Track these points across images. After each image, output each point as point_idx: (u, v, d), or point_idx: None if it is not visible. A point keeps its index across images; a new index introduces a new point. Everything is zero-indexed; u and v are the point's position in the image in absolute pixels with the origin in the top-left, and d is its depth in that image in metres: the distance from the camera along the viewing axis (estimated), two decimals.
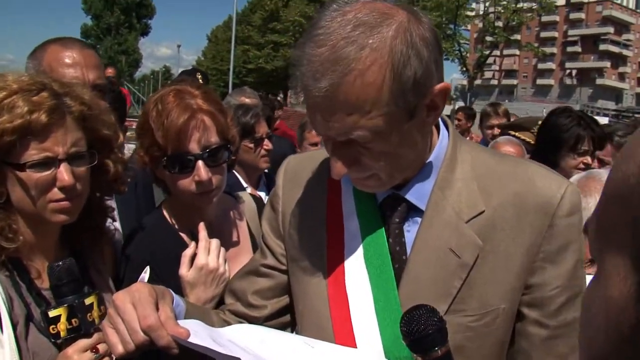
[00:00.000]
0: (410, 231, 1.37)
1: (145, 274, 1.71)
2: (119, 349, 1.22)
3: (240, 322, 1.58)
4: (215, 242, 1.87)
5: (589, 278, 1.84)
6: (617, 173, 0.62)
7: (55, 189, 1.54)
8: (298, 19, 43.79)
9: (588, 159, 3.37)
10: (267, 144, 3.55)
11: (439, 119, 1.39)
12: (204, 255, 1.83)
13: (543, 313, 1.33)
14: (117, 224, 2.12)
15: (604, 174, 2.33)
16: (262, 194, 3.53)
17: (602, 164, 3.71)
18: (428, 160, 1.36)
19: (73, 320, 1.37)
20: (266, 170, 3.89)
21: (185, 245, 1.91)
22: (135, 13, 57.79)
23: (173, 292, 1.37)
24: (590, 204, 2.14)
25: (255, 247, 2.16)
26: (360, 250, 1.39)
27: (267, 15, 50.09)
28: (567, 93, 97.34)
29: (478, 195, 1.33)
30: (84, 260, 1.71)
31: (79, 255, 1.70)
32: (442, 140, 1.39)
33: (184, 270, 1.81)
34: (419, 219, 1.36)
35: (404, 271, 1.34)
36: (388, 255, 1.36)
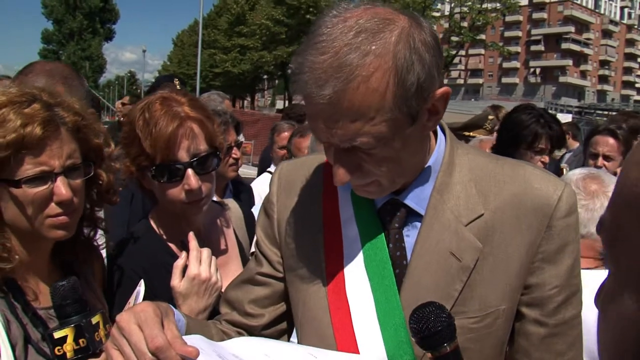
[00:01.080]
0: (410, 236, 1.37)
1: (141, 287, 1.67)
2: None
3: (239, 332, 1.56)
4: (206, 251, 1.84)
5: (584, 274, 1.87)
6: (629, 183, 0.63)
7: (53, 204, 1.49)
8: (265, 22, 43.56)
9: (545, 158, 3.39)
10: (236, 152, 3.49)
11: None
12: (196, 265, 1.80)
13: (542, 312, 1.35)
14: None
15: (603, 174, 2.40)
16: None
17: (607, 160, 3.80)
18: (427, 165, 1.36)
19: (80, 341, 1.32)
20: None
21: (174, 256, 1.89)
22: (99, 18, 56.69)
23: (174, 307, 1.34)
24: (597, 205, 2.25)
25: (242, 254, 2.15)
26: (360, 257, 1.39)
27: (233, 19, 49.67)
28: (532, 91, 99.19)
29: (477, 198, 1.34)
30: (77, 276, 1.67)
31: (70, 272, 1.64)
32: (440, 145, 1.39)
33: (176, 281, 1.77)
34: (418, 224, 1.36)
35: (405, 276, 1.34)
36: (389, 260, 1.36)
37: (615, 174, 3.75)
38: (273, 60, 45.85)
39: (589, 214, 2.25)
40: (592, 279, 2.16)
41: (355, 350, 1.35)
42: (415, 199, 1.36)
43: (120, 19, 59.77)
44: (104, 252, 1.94)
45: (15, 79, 2.27)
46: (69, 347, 1.32)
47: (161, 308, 1.25)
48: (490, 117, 5.03)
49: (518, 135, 3.37)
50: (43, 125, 1.43)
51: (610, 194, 2.21)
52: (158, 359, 1.17)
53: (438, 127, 1.41)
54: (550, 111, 4.12)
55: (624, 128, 3.92)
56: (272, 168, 4.93)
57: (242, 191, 3.79)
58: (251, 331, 1.55)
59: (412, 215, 1.37)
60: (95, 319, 1.36)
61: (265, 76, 57.57)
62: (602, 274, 2.40)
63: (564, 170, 4.21)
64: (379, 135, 1.17)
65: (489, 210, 1.33)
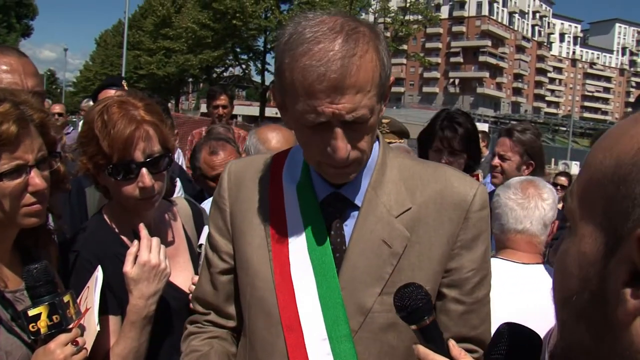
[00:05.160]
0: (348, 225, 1.56)
1: (99, 273, 1.79)
2: None
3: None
4: (156, 240, 1.98)
5: (527, 268, 2.33)
6: (596, 163, 0.77)
7: (28, 194, 1.62)
8: (191, 26, 42.88)
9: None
10: None
11: None
12: (146, 252, 1.93)
13: (461, 292, 1.56)
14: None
15: (538, 180, 2.65)
16: None
17: (502, 159, 3.88)
18: (368, 162, 1.55)
19: (54, 317, 1.44)
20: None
21: (125, 247, 2.02)
22: (15, 12, 53.71)
23: None
24: (532, 204, 2.51)
25: (191, 247, 2.30)
26: (304, 243, 1.56)
27: (159, 21, 48.54)
28: (451, 100, 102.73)
29: (405, 194, 1.54)
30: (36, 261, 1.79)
31: (29, 257, 1.75)
32: (375, 148, 1.59)
33: (129, 267, 1.91)
34: (355, 214, 1.55)
35: (344, 260, 1.53)
36: (329, 246, 1.54)
37: (509, 174, 3.74)
38: (198, 63, 45.23)
39: (524, 212, 2.50)
40: (534, 273, 2.51)
41: (298, 326, 1.52)
42: (354, 193, 1.56)
43: (39, 15, 56.85)
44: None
45: None
46: (42, 324, 1.44)
47: None
48: (385, 120, 5.26)
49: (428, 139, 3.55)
50: (17, 122, 1.56)
51: (544, 196, 2.56)
52: None
53: None
54: None
55: (519, 130, 3.97)
56: None
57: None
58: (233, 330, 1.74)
59: (350, 207, 1.57)
60: (66, 298, 1.49)
61: (190, 79, 56.71)
62: (540, 269, 2.73)
63: (479, 175, 4.39)
64: (372, 108, 1.37)
65: (416, 205, 1.54)
